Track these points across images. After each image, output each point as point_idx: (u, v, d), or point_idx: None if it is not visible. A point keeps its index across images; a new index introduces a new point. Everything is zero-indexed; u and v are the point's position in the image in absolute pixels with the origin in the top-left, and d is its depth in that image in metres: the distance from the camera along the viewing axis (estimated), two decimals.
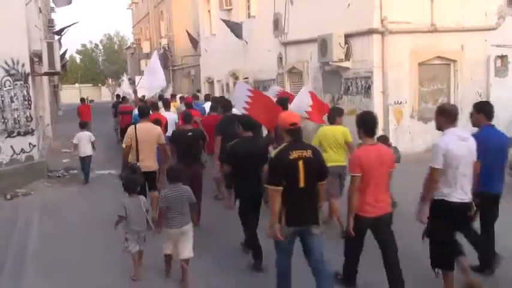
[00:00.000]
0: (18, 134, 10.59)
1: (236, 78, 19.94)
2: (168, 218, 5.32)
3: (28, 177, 10.56)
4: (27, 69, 10.66)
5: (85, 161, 10.92)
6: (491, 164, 4.96)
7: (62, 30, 20.59)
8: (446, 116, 4.65)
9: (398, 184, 7.71)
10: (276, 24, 15.79)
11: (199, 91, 21.06)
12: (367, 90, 11.77)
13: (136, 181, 5.73)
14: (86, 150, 10.88)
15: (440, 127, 4.73)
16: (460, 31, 11.96)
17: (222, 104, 8.92)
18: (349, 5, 11.94)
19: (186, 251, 5.30)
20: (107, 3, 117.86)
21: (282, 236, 4.32)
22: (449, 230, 4.65)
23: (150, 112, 7.90)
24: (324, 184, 4.58)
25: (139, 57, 39.76)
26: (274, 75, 16.69)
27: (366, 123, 4.71)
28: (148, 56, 36.74)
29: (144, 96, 14.29)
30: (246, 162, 5.55)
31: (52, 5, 24.46)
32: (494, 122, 5.26)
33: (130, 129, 7.14)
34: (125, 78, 21.63)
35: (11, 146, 10.48)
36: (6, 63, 10.30)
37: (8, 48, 10.24)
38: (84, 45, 70.83)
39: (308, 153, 4.39)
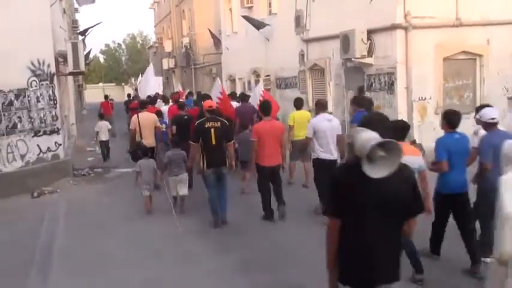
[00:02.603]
0: (45, 133, 10.78)
1: (258, 76, 19.95)
2: (171, 170, 8.07)
3: (54, 175, 10.77)
4: (53, 69, 10.84)
5: (105, 144, 14.13)
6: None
7: (85, 30, 20.97)
8: (319, 106, 7.55)
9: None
10: (298, 21, 15.73)
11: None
12: (391, 86, 11.64)
13: (147, 149, 8.78)
14: (105, 136, 14.09)
15: (317, 113, 7.46)
16: (486, 25, 11.72)
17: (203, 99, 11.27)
18: (371, 0, 11.83)
19: (183, 190, 8.10)
20: (129, 3, 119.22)
21: (206, 175, 7.19)
22: (322, 178, 6.98)
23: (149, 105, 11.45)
24: (230, 144, 7.41)
25: (162, 56, 40.05)
26: (296, 73, 16.66)
27: (265, 108, 7.51)
28: (170, 55, 37.05)
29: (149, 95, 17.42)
30: None
31: (76, 5, 24.88)
32: None
33: (134, 117, 9.82)
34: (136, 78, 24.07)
35: (38, 145, 10.67)
36: (32, 63, 10.48)
37: (34, 49, 10.44)
38: (107, 45, 71.82)
39: (217, 124, 7.18)
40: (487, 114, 5.34)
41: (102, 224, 7.83)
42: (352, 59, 12.27)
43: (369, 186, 2.81)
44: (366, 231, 2.93)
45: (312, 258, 4.88)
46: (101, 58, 72.57)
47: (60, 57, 12.14)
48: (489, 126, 5.29)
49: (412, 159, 4.52)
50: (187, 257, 6.17)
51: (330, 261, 3.09)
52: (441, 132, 5.46)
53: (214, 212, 7.23)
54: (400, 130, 4.76)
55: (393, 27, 11.36)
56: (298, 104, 9.57)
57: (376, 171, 2.73)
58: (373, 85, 12.27)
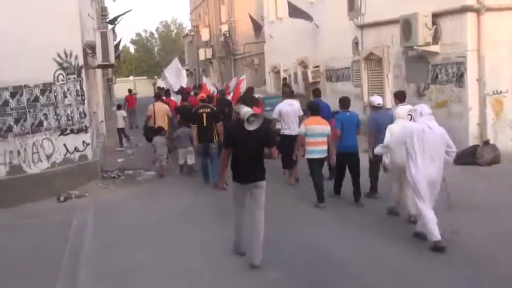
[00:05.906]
0: (72, 131, 10.97)
1: (305, 67, 19.87)
2: (180, 143, 11.56)
3: (82, 177, 11.00)
4: (81, 61, 11.05)
5: (121, 130, 18.13)
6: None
7: (115, 19, 21.35)
8: (284, 94, 11.17)
9: (493, 186, 7.69)
10: (351, 4, 15.60)
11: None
12: (460, 78, 11.37)
13: (162, 129, 12.26)
14: (121, 123, 18.19)
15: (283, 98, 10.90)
16: None
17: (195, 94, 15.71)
18: None
19: (191, 160, 11.69)
20: None
21: (198, 148, 10.71)
22: (284, 149, 9.67)
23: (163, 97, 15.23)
24: (219, 125, 10.46)
25: (198, 45, 40.51)
26: (348, 63, 16.52)
27: (243, 100, 9.98)
28: (207, 44, 37.41)
29: (182, 86, 21.31)
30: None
31: None
32: None
33: (151, 106, 13.32)
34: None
35: (64, 145, 10.88)
36: (59, 55, 10.68)
37: (61, 40, 10.60)
38: (138, 35, 73.38)
39: (208, 110, 10.56)
40: (375, 101, 8.86)
41: (132, 230, 7.96)
42: (415, 47, 12.10)
43: (244, 133, 5.93)
44: (243, 154, 6.10)
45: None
46: (132, 48, 74.17)
47: (89, 49, 12.36)
48: (375, 108, 8.80)
49: (323, 127, 8.57)
50: (220, 270, 6.22)
51: (222, 170, 6.56)
52: None
53: (204, 172, 10.80)
54: (313, 108, 8.89)
55: (463, 10, 11.13)
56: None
57: (250, 127, 5.91)
58: (439, 77, 12.02)
